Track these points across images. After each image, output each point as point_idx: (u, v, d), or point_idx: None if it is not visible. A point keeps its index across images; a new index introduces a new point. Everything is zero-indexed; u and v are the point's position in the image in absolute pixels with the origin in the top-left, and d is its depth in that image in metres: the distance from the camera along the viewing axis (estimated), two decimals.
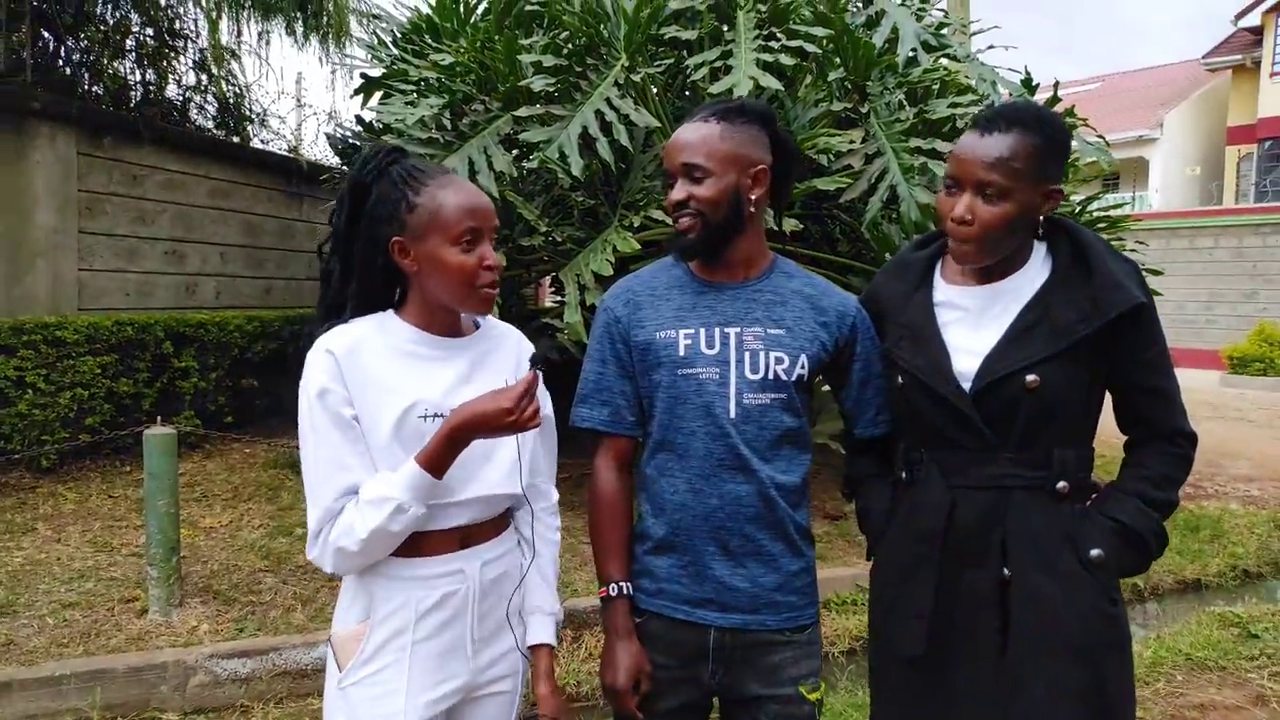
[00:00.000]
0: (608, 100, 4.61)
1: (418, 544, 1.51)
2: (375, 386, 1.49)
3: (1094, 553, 1.57)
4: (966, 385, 1.62)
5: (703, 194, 1.65)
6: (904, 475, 1.75)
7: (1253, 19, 20.61)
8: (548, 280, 7.84)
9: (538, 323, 5.75)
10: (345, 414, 1.46)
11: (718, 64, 4.74)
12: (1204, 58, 22.40)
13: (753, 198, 1.69)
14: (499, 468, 1.59)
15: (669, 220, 4.56)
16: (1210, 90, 22.58)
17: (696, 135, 1.67)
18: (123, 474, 5.72)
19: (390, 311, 1.59)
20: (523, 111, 4.66)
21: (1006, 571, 1.59)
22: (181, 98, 7.97)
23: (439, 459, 1.46)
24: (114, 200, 6.64)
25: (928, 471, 1.67)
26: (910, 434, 1.74)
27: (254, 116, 8.66)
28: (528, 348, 1.69)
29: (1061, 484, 1.59)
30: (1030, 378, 1.57)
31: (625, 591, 1.71)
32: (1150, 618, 4.80)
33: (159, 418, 4.09)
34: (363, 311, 1.57)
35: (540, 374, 1.51)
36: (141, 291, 6.91)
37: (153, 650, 3.47)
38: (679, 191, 1.68)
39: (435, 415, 1.51)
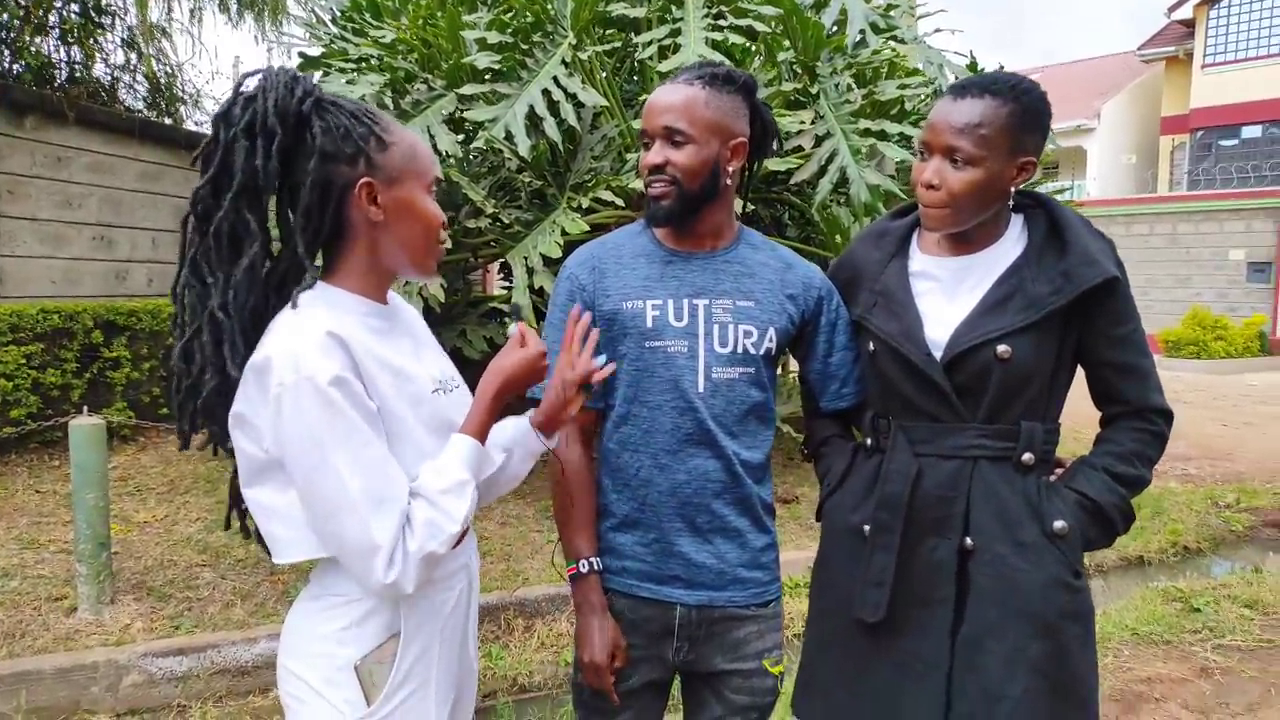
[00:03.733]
0: (555, 79, 4.52)
1: None
2: (385, 368, 1.29)
3: (1057, 524, 1.55)
4: (938, 354, 1.59)
5: (681, 161, 1.58)
6: (869, 442, 1.72)
7: (1185, 12, 21.15)
8: (495, 267, 7.72)
9: (485, 308, 5.65)
10: (370, 405, 1.24)
11: (666, 42, 4.67)
12: (1139, 49, 22.95)
13: (730, 170, 1.63)
14: (491, 440, 1.48)
15: (618, 201, 4.54)
16: (1145, 81, 23.15)
17: (680, 98, 1.58)
18: (51, 468, 5.49)
19: (319, 283, 1.34)
20: (468, 89, 4.55)
21: (969, 541, 1.57)
22: (109, 77, 7.69)
23: (486, 427, 1.36)
24: (37, 183, 6.36)
25: (894, 439, 1.64)
26: (879, 402, 1.71)
27: (187, 97, 8.38)
28: (411, 307, 1.54)
29: (1027, 455, 1.58)
30: (1002, 348, 1.55)
31: (596, 567, 1.66)
32: (1096, 594, 4.86)
33: (86, 408, 3.91)
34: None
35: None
36: (69, 279, 6.64)
37: (82, 650, 3.31)
38: (656, 155, 1.59)
39: (443, 389, 1.40)
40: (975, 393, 1.58)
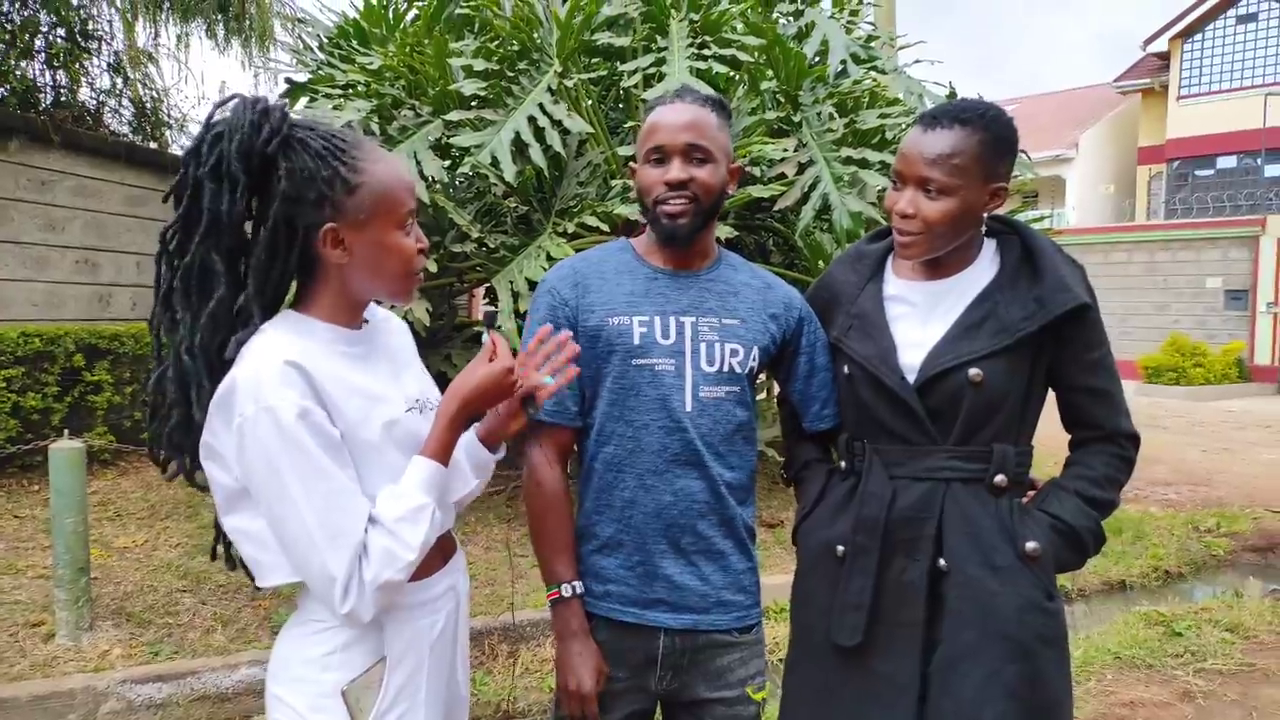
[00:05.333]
0: (541, 106, 4.56)
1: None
2: (353, 392, 1.29)
3: (1030, 546, 1.56)
4: (912, 378, 1.61)
5: (704, 178, 1.59)
6: (843, 464, 1.74)
7: (1160, 45, 21.54)
8: (481, 292, 7.73)
9: (471, 332, 5.66)
10: (334, 433, 1.24)
11: (651, 71, 4.73)
12: (1115, 81, 23.34)
13: (730, 192, 1.68)
14: (467, 457, 1.49)
15: (603, 227, 4.56)
16: (1122, 112, 23.52)
17: (697, 116, 1.60)
18: (30, 493, 5.42)
19: (290, 312, 1.35)
20: (454, 115, 4.59)
21: (942, 563, 1.58)
22: (95, 101, 7.67)
23: (447, 447, 1.34)
24: (21, 206, 6.33)
25: (869, 462, 1.66)
26: (853, 425, 1.72)
27: (172, 122, 8.37)
28: (401, 325, 1.55)
29: (999, 478, 1.59)
30: (973, 372, 1.56)
31: (578, 591, 1.63)
32: (1078, 618, 4.89)
33: (66, 432, 3.88)
34: (268, 315, 1.33)
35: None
36: (51, 302, 6.60)
37: (60, 677, 3.26)
38: (679, 171, 1.58)
39: (418, 409, 1.39)
40: (948, 416, 1.59)
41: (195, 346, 1.29)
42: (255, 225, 1.32)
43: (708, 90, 1.70)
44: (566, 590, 1.62)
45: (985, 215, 1.63)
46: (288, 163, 1.27)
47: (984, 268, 1.66)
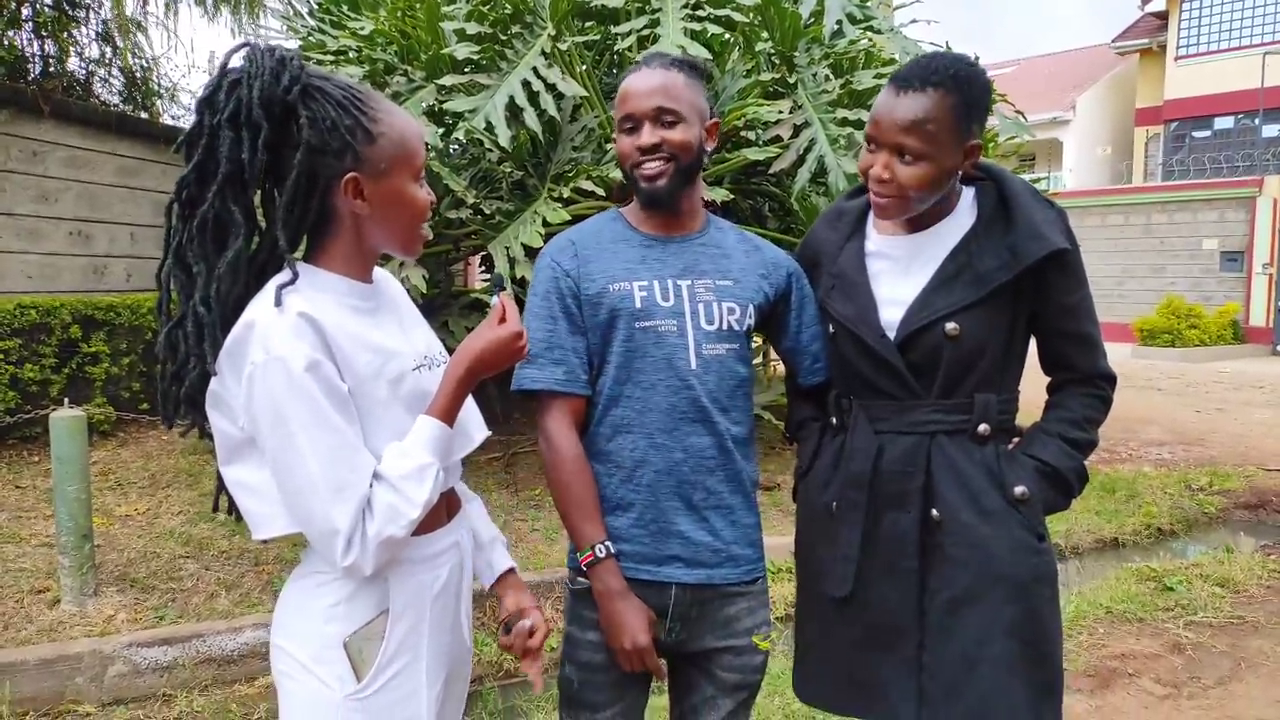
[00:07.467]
0: (534, 70, 4.53)
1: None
2: (364, 347, 1.28)
3: (1018, 490, 1.59)
4: (893, 334, 1.63)
5: (675, 138, 1.61)
6: (833, 420, 1.77)
7: (1158, 4, 21.32)
8: (476, 260, 7.72)
9: (467, 300, 5.66)
10: (341, 388, 1.24)
11: (645, 33, 4.70)
12: (1113, 42, 23.14)
13: (708, 149, 1.69)
14: (473, 419, 1.49)
15: (599, 191, 4.56)
16: (1120, 74, 23.34)
17: (663, 80, 1.62)
18: (31, 464, 5.45)
19: (303, 264, 1.33)
20: (447, 80, 4.56)
21: (935, 513, 1.61)
22: (85, 71, 7.60)
23: (453, 409, 1.34)
24: (13, 178, 6.30)
25: (855, 418, 1.69)
26: (840, 382, 1.75)
27: (163, 91, 8.30)
28: (400, 285, 1.54)
29: (983, 427, 1.62)
30: (950, 326, 1.58)
31: (611, 551, 1.63)
32: (1071, 574, 4.96)
33: (67, 401, 3.89)
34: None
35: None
36: (45, 274, 6.58)
37: (66, 641, 3.31)
38: (649, 136, 1.62)
39: (426, 366, 1.39)
40: (929, 370, 1.62)
41: (211, 298, 1.28)
42: (276, 175, 1.31)
43: (677, 53, 1.70)
44: (601, 550, 1.62)
45: (960, 171, 1.63)
46: (309, 111, 1.26)
47: (962, 217, 1.66)
